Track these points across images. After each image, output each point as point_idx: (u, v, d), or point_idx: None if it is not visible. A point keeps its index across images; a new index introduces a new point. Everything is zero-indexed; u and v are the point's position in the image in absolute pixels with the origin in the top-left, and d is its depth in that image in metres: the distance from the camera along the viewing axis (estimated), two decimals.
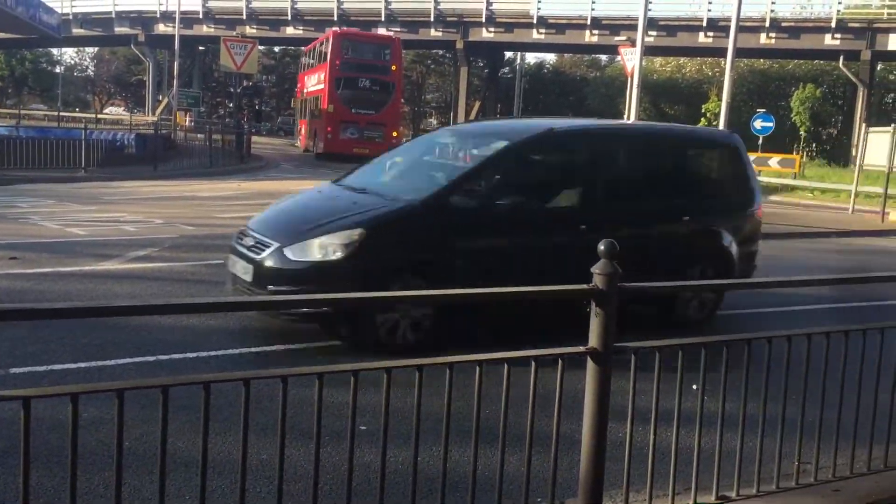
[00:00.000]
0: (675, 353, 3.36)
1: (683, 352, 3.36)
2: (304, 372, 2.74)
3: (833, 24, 38.70)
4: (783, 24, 40.13)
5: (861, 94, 39.30)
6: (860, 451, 3.94)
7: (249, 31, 47.74)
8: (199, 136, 30.59)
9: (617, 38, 32.77)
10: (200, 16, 50.32)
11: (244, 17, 49.50)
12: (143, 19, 52.79)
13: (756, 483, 3.60)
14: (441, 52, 66.75)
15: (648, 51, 35.59)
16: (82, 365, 5.49)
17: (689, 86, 53.92)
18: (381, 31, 47.56)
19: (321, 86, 32.70)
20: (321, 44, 35.29)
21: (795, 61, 49.96)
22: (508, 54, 58.02)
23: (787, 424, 3.66)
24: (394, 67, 32.38)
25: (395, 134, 31.40)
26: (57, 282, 8.08)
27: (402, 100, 32.96)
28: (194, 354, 5.83)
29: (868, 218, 20.53)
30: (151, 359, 5.70)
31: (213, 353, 5.90)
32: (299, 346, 6.21)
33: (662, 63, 55.79)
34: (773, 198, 29.13)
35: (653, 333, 3.69)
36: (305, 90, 37.99)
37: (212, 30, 50.25)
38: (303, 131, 37.99)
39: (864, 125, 23.39)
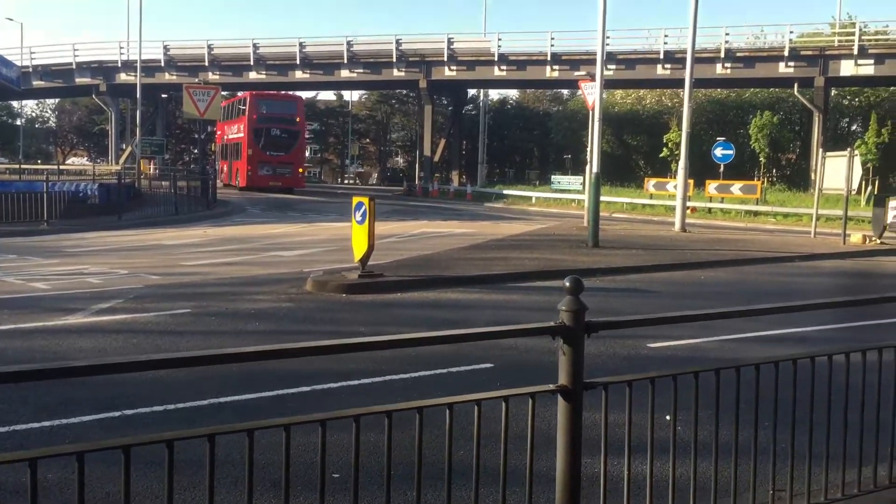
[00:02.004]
0: (645, 386, 3.35)
1: (653, 384, 3.36)
2: (269, 424, 2.68)
3: (786, 53, 39.70)
4: (738, 55, 41.08)
5: (817, 119, 40.20)
6: (834, 475, 3.95)
7: (212, 77, 47.85)
8: (163, 183, 30.43)
9: (577, 73, 33.37)
10: (162, 64, 50.35)
11: (206, 63, 49.63)
12: (104, 69, 52.68)
13: None
14: (405, 91, 67.33)
15: (608, 84, 36.19)
16: (45, 424, 5.36)
17: (650, 117, 54.82)
18: (345, 72, 48.02)
19: (241, 134, 41.65)
20: (239, 102, 44.06)
21: (752, 89, 51.05)
22: (472, 91, 58.60)
23: (760, 451, 3.66)
24: (298, 119, 42.16)
25: (300, 171, 41.84)
26: (19, 339, 7.91)
27: (306, 143, 43.67)
28: (161, 408, 5.72)
29: (830, 241, 20.88)
30: (117, 414, 5.58)
31: (180, 405, 5.80)
32: (268, 393, 6.13)
33: (623, 95, 56.72)
34: (738, 224, 29.62)
35: (624, 368, 3.69)
36: (226, 137, 46.81)
37: (174, 77, 50.26)
38: (224, 170, 46.07)
39: (821, 150, 23.86)
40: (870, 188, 36.55)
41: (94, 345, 7.80)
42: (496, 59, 45.16)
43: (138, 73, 39.17)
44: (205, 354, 2.76)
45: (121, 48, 51.38)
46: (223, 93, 41.52)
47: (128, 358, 2.67)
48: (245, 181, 41.04)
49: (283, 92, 49.51)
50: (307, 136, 53.18)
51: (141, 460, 2.41)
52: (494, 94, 65.11)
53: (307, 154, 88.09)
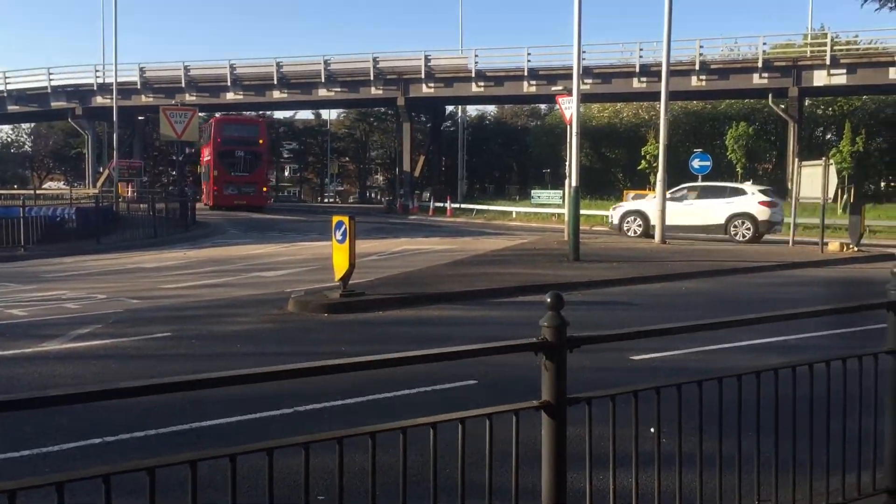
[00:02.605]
0: (629, 400, 3.35)
1: (636, 398, 3.36)
2: (252, 449, 2.66)
3: (760, 64, 40.22)
4: (712, 67, 41.56)
5: (791, 129, 40.70)
6: (818, 484, 3.96)
7: (189, 98, 47.75)
8: (142, 206, 30.25)
9: (554, 88, 33.51)
10: (138, 86, 50.18)
11: (183, 85, 49.52)
12: (80, 92, 52.42)
13: None
14: (383, 109, 67.48)
15: (585, 98, 36.46)
16: (25, 453, 5.28)
17: (627, 130, 55.24)
18: (322, 91, 48.07)
19: (209, 157, 44.26)
20: (209, 126, 46.20)
21: (727, 101, 51.60)
22: (450, 108, 58.83)
23: (744, 461, 3.67)
24: (261, 141, 43.98)
25: (264, 189, 44.33)
26: None
27: (270, 164, 45.90)
28: (142, 433, 5.65)
29: (808, 249, 21.07)
30: (97, 441, 5.51)
31: (162, 430, 5.73)
32: (250, 416, 6.07)
33: (600, 109, 57.15)
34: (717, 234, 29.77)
35: (608, 381, 3.70)
36: (202, 159, 48.94)
37: (151, 99, 50.11)
38: (204, 190, 47.85)
39: (796, 159, 24.11)
40: (846, 196, 36.99)
41: (73, 371, 7.71)
42: (473, 75, 45.40)
43: (114, 96, 38.96)
44: (185, 380, 2.73)
45: (96, 71, 51.16)
46: (201, 114, 41.50)
47: (104, 386, 2.64)
48: (212, 200, 43.72)
49: (246, 115, 52.86)
50: (287, 155, 55.11)
51: (122, 489, 2.38)
52: (473, 110, 65.53)
53: (286, 174, 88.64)
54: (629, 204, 28.61)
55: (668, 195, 23.86)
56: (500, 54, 48.31)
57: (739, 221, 24.65)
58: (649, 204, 26.04)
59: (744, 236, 24.43)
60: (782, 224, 24.99)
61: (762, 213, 24.37)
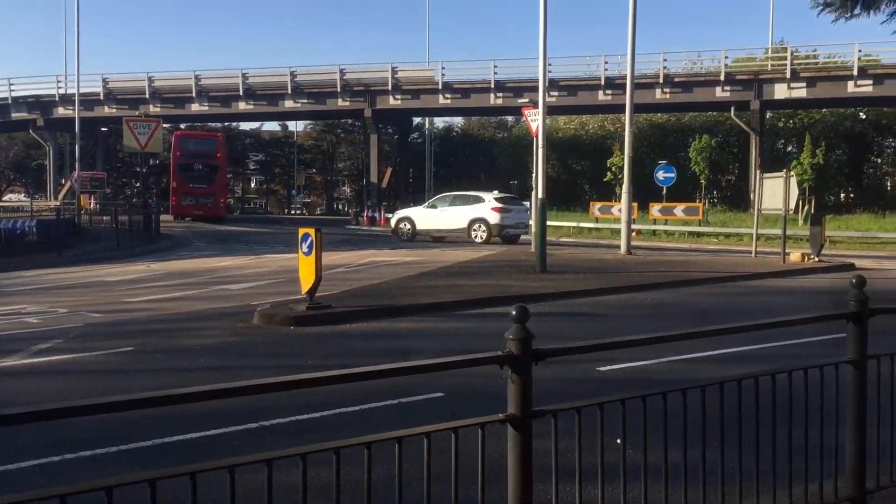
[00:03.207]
0: (594, 412, 3.36)
1: (602, 410, 3.37)
2: (212, 467, 2.61)
3: (722, 77, 40.86)
4: (676, 80, 42.14)
5: (754, 141, 41.37)
6: (781, 493, 4.00)
7: (153, 109, 47.29)
8: (105, 218, 29.83)
9: (521, 100, 33.71)
10: (101, 97, 49.60)
11: (147, 95, 49.05)
12: (41, 103, 51.67)
13: None
14: (350, 120, 67.39)
15: (551, 110, 36.75)
16: None
17: (593, 142, 55.76)
18: (289, 103, 47.88)
19: (171, 169, 46.37)
20: (170, 140, 48.49)
21: (691, 113, 52.34)
22: (417, 120, 58.92)
23: (709, 471, 3.70)
24: (218, 155, 45.60)
25: (222, 201, 45.99)
26: None
27: (227, 176, 48.68)
28: (104, 450, 5.55)
29: (770, 260, 21.38)
30: (57, 459, 5.40)
31: (123, 446, 5.63)
32: (215, 431, 5.99)
33: (566, 121, 57.64)
34: (682, 245, 30.16)
35: (575, 392, 3.71)
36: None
37: (114, 110, 49.54)
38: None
39: (758, 171, 24.50)
40: (807, 207, 37.61)
41: (34, 387, 7.56)
42: (440, 87, 45.54)
43: (76, 107, 38.55)
44: (147, 397, 2.69)
45: (58, 82, 50.49)
46: (165, 125, 41.20)
47: (64, 404, 2.58)
48: (172, 210, 45.41)
49: (206, 131, 54.69)
50: (253, 167, 56.55)
51: None
52: (440, 122, 65.69)
53: (253, 185, 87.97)
54: (403, 211, 32.43)
55: (427, 203, 29.72)
56: (467, 66, 48.55)
57: (477, 225, 28.32)
58: (415, 211, 31.04)
59: (481, 238, 28.16)
60: (526, 227, 27.73)
61: (494, 218, 28.13)
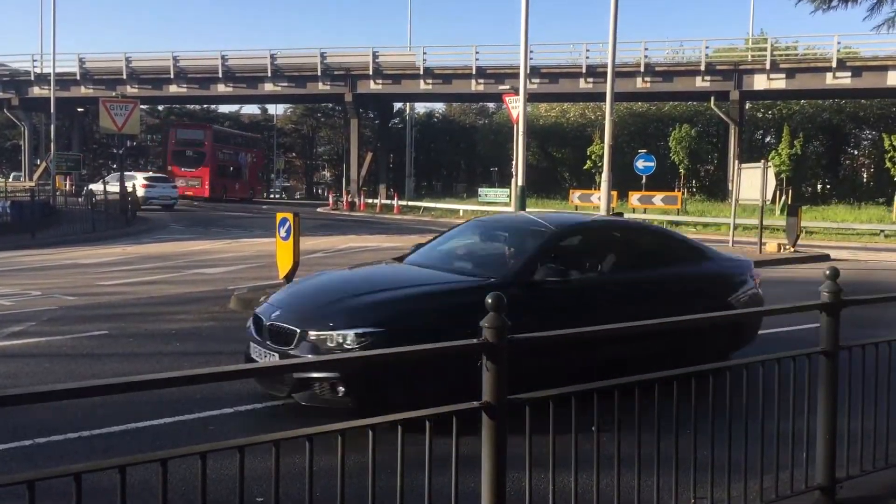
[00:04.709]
0: (567, 401, 3.37)
1: (576, 399, 3.38)
2: (183, 453, 2.59)
3: (703, 67, 40.95)
4: (657, 69, 42.18)
5: (733, 131, 41.56)
6: (753, 482, 4.04)
7: (130, 90, 46.67)
8: (80, 199, 29.48)
9: (502, 87, 33.65)
10: (78, 77, 48.89)
11: (124, 76, 48.40)
12: (16, 83, 50.85)
13: None
14: (331, 105, 66.95)
15: (532, 98, 36.69)
16: None
17: (574, 130, 55.79)
18: (269, 86, 47.48)
19: (167, 156, 54.33)
20: (167, 131, 56.45)
21: (671, 103, 52.47)
22: (398, 105, 58.63)
23: (681, 461, 3.72)
24: (206, 143, 51.81)
25: (206, 183, 51.48)
26: None
27: (215, 162, 52.49)
28: (76, 434, 5.50)
29: (747, 249, 21.48)
30: (28, 443, 5.34)
31: (96, 431, 5.58)
32: (189, 416, 5.95)
33: (548, 108, 57.60)
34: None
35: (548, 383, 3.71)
36: None
37: (91, 91, 48.85)
38: None
39: (737, 161, 24.65)
40: (783, 198, 37.91)
41: (5, 370, 7.47)
42: (422, 72, 45.29)
43: (52, 87, 37.94)
44: (123, 382, 2.66)
45: (34, 61, 49.68)
46: (143, 107, 40.73)
47: (35, 388, 2.55)
48: None
49: (197, 123, 60.20)
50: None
51: (55, 491, 2.29)
52: (421, 108, 65.35)
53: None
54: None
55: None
56: (449, 52, 48.28)
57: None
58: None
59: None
60: (174, 200, 40.18)
61: (140, 191, 34.59)
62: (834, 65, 38.37)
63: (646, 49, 42.16)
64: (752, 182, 20.97)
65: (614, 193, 28.81)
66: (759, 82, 40.57)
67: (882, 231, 30.08)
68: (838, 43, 38.69)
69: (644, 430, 3.51)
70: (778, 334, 8.70)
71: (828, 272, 4.29)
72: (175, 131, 54.73)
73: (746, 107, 45.84)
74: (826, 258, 20.31)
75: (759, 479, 4.06)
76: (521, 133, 19.08)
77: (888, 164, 39.37)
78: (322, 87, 47.50)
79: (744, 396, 3.89)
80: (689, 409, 3.69)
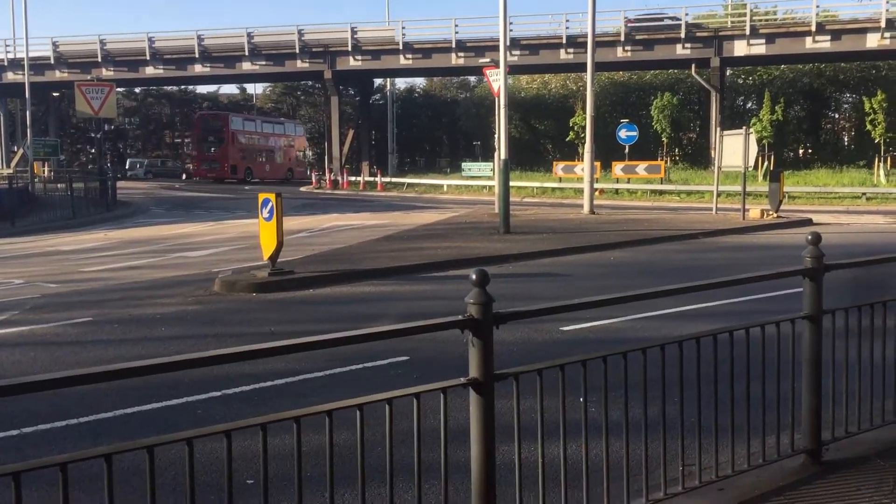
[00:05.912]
0: (556, 373, 3.37)
1: (563, 371, 3.38)
2: (171, 439, 2.57)
3: (683, 35, 40.85)
4: (637, 38, 42.03)
5: (714, 98, 41.57)
6: (740, 447, 4.07)
7: (106, 73, 46.15)
8: (59, 185, 29.20)
9: (482, 60, 33.51)
10: (52, 61, 48.25)
11: (99, 59, 47.81)
12: None
13: (644, 493, 3.65)
14: (310, 82, 66.37)
15: (513, 70, 36.55)
16: None
17: (555, 101, 55.63)
18: (246, 65, 47.02)
19: (194, 142, 60.12)
20: (195, 121, 61.03)
21: (652, 71, 52.37)
22: (378, 81, 58.23)
23: (669, 428, 3.75)
24: (224, 129, 55.42)
25: (226, 165, 55.05)
26: None
27: (234, 146, 55.03)
28: (63, 423, 5.47)
29: (731, 216, 21.64)
30: (15, 433, 5.31)
31: (83, 419, 5.56)
32: (176, 401, 5.93)
33: (529, 80, 57.37)
34: (644, 203, 30.45)
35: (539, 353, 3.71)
36: None
37: (65, 75, 48.25)
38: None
39: (719, 128, 24.69)
40: (766, 164, 38.07)
41: None
42: (401, 47, 44.96)
43: (26, 72, 37.39)
44: (108, 370, 2.63)
45: (6, 46, 48.96)
46: (119, 89, 40.26)
47: (19, 379, 2.52)
48: (193, 173, 59.05)
49: (218, 112, 63.48)
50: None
51: (42, 480, 2.27)
52: (402, 83, 64.94)
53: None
54: None
55: None
56: (428, 26, 47.91)
57: None
58: None
59: None
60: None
61: None
62: (813, 29, 38.37)
63: (626, 17, 41.99)
64: (735, 149, 21.04)
65: (597, 164, 28.82)
66: (740, 48, 40.54)
67: (864, 194, 30.31)
68: (817, 6, 38.68)
69: (632, 398, 3.52)
70: (763, 300, 8.77)
71: (810, 237, 4.31)
72: (200, 120, 59.12)
73: (727, 73, 45.82)
74: (808, 223, 20.46)
75: (746, 445, 4.09)
76: (502, 106, 19.00)
77: (868, 127, 39.58)
78: (301, 65, 47.10)
79: (730, 362, 3.91)
80: (676, 375, 3.70)
